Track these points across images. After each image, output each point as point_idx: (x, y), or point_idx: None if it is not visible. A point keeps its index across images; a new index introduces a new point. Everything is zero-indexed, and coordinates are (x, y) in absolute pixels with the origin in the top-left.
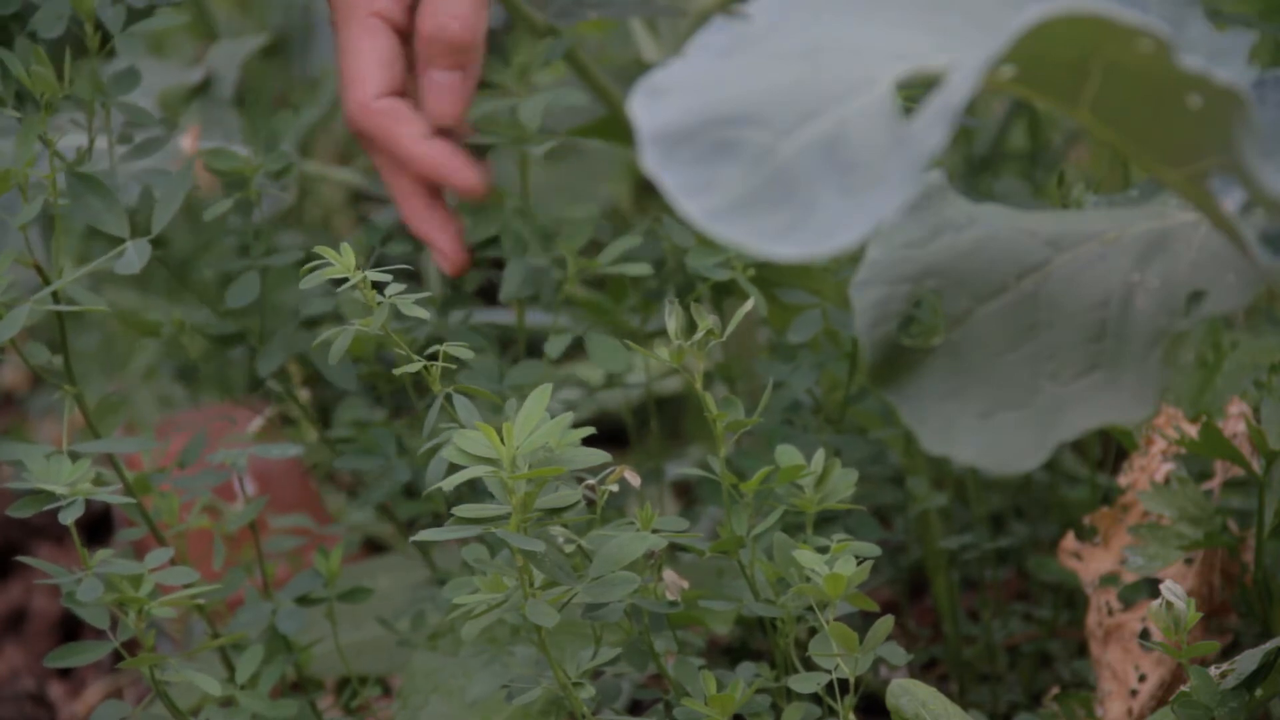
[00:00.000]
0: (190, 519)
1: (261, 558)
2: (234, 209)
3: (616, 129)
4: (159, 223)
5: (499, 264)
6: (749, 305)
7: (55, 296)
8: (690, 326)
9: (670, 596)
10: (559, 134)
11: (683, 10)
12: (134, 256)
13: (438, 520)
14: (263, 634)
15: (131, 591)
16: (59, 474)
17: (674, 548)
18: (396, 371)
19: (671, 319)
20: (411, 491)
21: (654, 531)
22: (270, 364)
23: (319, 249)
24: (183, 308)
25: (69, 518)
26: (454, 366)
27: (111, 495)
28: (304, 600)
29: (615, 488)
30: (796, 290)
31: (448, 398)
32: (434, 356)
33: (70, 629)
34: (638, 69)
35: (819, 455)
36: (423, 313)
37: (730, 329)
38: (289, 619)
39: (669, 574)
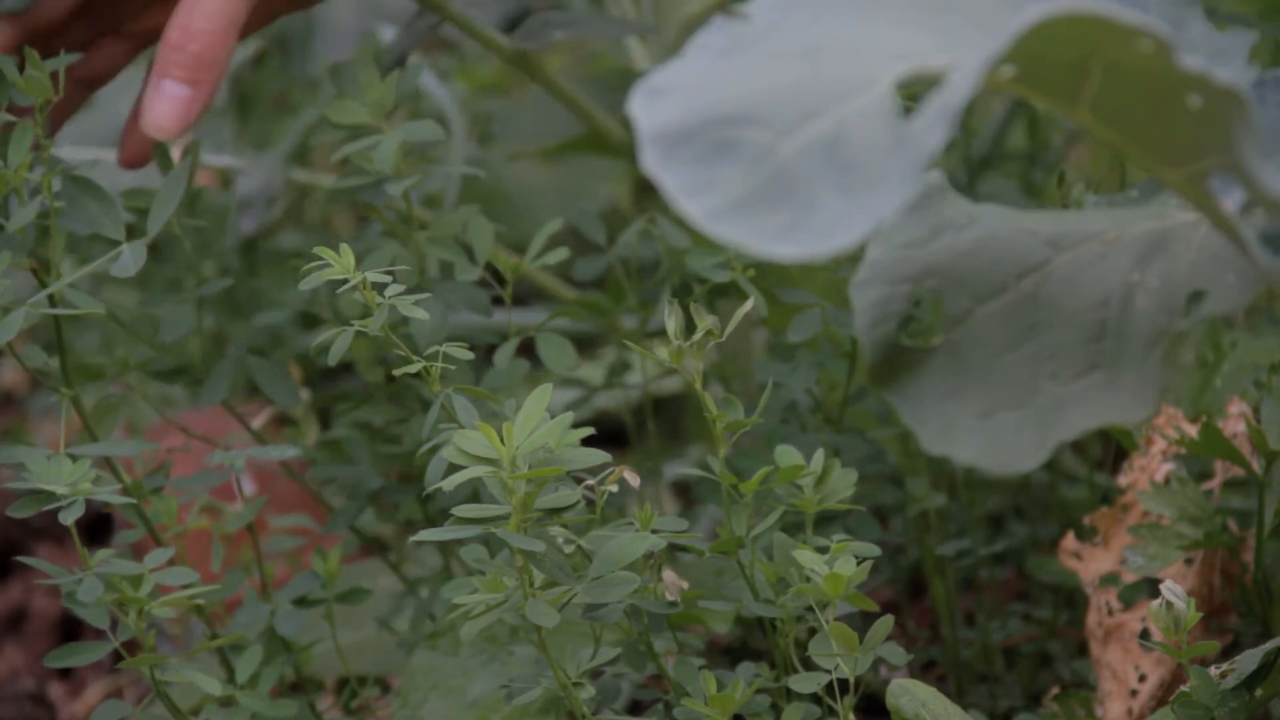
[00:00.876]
0: (189, 520)
1: (260, 558)
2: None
3: (598, 142)
4: (155, 224)
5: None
6: (748, 306)
7: (52, 300)
8: (689, 327)
9: (670, 597)
10: (550, 147)
11: (653, 29)
12: (129, 259)
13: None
14: (261, 635)
15: (132, 592)
16: (59, 474)
17: (673, 547)
18: (396, 373)
19: (670, 319)
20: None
21: (653, 532)
22: (215, 394)
23: (319, 249)
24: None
25: (69, 518)
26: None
27: (111, 495)
28: (302, 601)
29: (615, 488)
30: (795, 290)
31: (446, 399)
32: (429, 358)
33: (70, 629)
34: (624, 78)
35: (818, 455)
36: (422, 314)
37: (730, 329)
38: (287, 620)
39: (668, 574)
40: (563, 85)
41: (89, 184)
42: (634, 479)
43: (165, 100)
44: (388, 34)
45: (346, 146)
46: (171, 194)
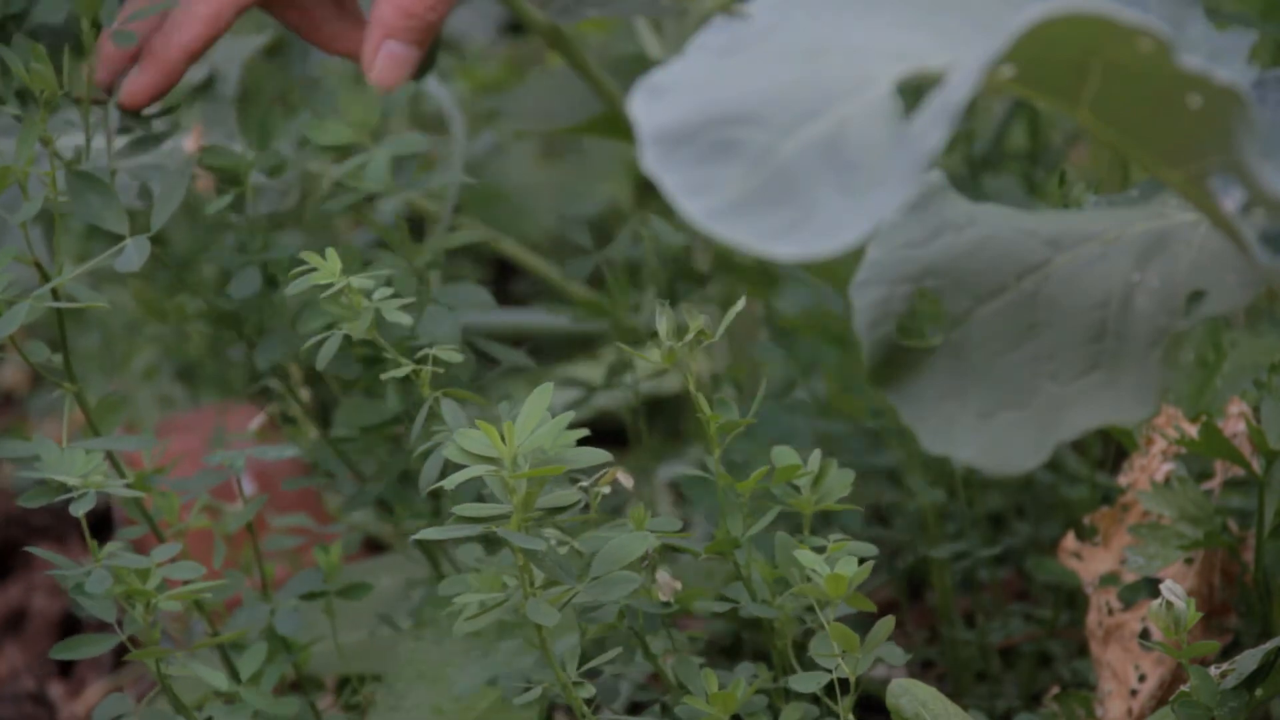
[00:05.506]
0: (190, 519)
1: (260, 557)
2: (231, 206)
3: (616, 125)
4: (158, 220)
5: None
6: (740, 304)
7: (55, 294)
8: (681, 327)
9: (663, 597)
10: (566, 128)
11: (684, 9)
12: (134, 254)
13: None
14: (261, 633)
15: (139, 584)
16: (72, 466)
17: (672, 548)
18: (384, 377)
19: (662, 320)
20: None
21: (649, 532)
22: (268, 356)
23: (305, 254)
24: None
25: (80, 510)
26: (441, 370)
27: (122, 488)
28: (304, 597)
29: (608, 489)
30: (802, 282)
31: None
32: (422, 360)
33: (71, 629)
34: (640, 65)
35: (815, 454)
36: (405, 318)
37: (721, 330)
38: (286, 619)
39: (662, 575)
40: (587, 61)
41: (92, 178)
42: (627, 480)
43: (391, 61)
44: None
45: (337, 167)
46: (174, 190)
